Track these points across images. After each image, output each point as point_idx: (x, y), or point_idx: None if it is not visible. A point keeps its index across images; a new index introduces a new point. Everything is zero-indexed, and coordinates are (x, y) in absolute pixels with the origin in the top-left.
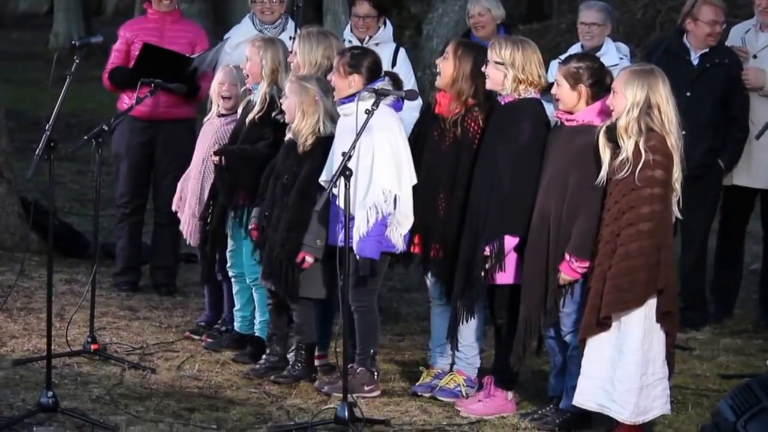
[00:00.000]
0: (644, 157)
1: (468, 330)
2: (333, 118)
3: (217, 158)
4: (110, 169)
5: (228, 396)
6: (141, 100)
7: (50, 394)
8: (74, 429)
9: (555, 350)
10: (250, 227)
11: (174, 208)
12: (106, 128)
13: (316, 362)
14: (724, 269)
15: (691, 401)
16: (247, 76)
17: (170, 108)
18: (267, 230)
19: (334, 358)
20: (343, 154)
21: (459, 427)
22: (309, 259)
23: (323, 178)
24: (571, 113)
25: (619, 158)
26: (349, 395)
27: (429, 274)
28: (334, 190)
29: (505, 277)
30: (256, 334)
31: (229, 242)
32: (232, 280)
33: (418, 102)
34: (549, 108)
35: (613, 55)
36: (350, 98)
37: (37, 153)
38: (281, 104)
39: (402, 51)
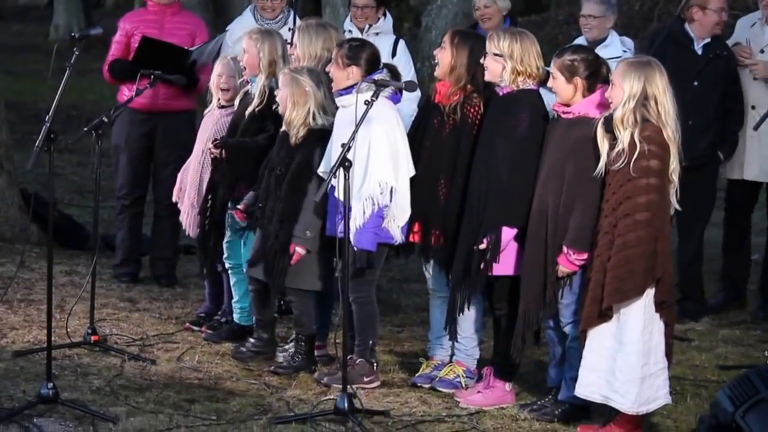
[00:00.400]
0: (639, 147)
1: (467, 321)
2: (326, 110)
3: (216, 150)
4: (110, 160)
5: (228, 387)
6: (141, 91)
7: (50, 385)
8: (74, 420)
9: (554, 341)
10: (238, 207)
11: (174, 199)
12: (106, 120)
13: (315, 353)
14: (733, 257)
15: (690, 392)
16: (245, 68)
17: (170, 100)
18: (261, 221)
19: (334, 349)
20: (342, 145)
21: (458, 418)
22: (300, 251)
23: (322, 170)
24: (568, 105)
25: (616, 149)
26: (348, 386)
27: (429, 263)
28: (333, 181)
29: (505, 268)
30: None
31: (227, 233)
32: (229, 271)
33: (417, 94)
34: (550, 97)
35: (616, 47)
36: (348, 90)
37: (37, 145)
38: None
39: (401, 43)
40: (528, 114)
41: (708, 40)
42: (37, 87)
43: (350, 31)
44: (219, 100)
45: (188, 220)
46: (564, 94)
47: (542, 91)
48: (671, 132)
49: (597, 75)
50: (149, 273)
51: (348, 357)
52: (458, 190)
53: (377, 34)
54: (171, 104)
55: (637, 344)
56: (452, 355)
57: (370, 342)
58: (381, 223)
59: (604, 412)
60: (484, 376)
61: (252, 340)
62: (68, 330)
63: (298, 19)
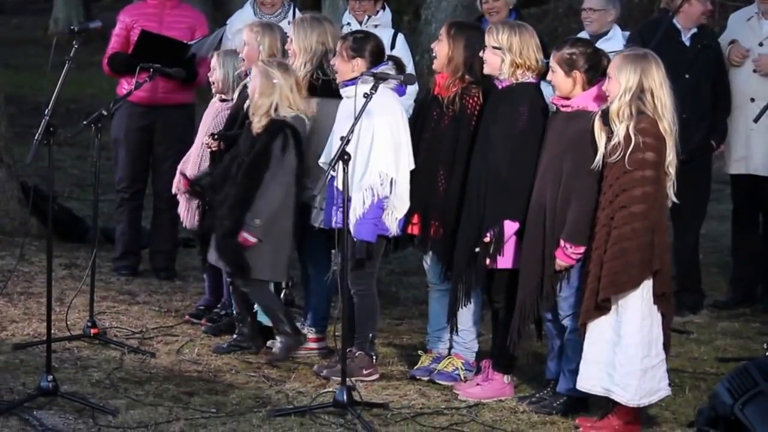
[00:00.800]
0: (634, 140)
1: (466, 314)
2: (293, 103)
3: (214, 143)
4: (110, 154)
5: (227, 380)
6: (140, 84)
7: (50, 378)
8: (74, 413)
9: (553, 334)
10: (185, 174)
11: (174, 190)
12: (105, 113)
13: (315, 345)
14: (742, 259)
15: (689, 384)
16: (243, 60)
17: (169, 94)
18: (216, 206)
19: (333, 341)
20: (342, 138)
21: (457, 411)
22: (249, 238)
23: (322, 160)
24: (567, 99)
25: (612, 142)
26: (347, 379)
27: (428, 255)
28: (332, 173)
29: (504, 261)
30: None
31: None
32: None
33: (415, 88)
34: (549, 91)
35: (618, 41)
36: (353, 81)
37: (36, 138)
38: None
39: (400, 36)
40: (527, 107)
41: (695, 30)
42: (36, 80)
43: (349, 23)
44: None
45: (186, 212)
46: (563, 88)
47: (542, 84)
48: (668, 124)
49: (596, 68)
50: (149, 266)
51: (347, 350)
52: (458, 181)
53: (376, 26)
54: (170, 98)
55: (635, 336)
56: (451, 347)
57: (370, 335)
58: (381, 215)
59: (603, 405)
60: (483, 368)
61: (235, 335)
62: (68, 323)
63: (298, 12)
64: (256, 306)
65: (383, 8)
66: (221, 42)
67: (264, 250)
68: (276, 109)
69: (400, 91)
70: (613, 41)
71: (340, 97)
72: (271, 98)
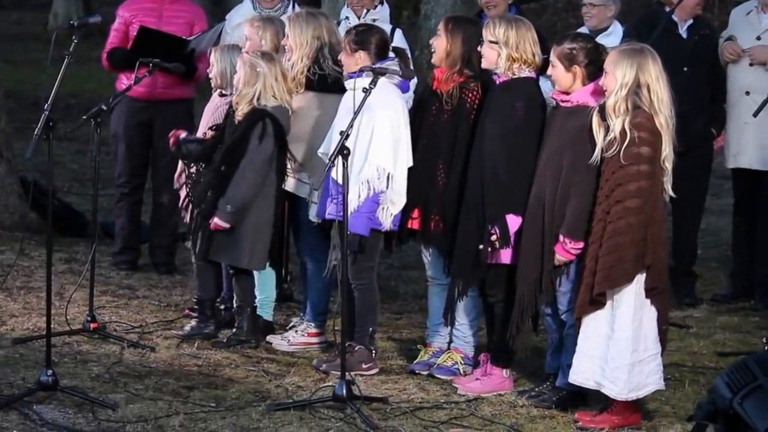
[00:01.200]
0: (630, 135)
1: (465, 308)
2: (277, 92)
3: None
4: (109, 148)
5: (227, 374)
6: (140, 79)
7: (50, 372)
8: (74, 407)
9: (552, 328)
10: (180, 134)
11: (176, 185)
12: (105, 108)
13: (315, 339)
14: (741, 254)
15: (688, 378)
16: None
17: (168, 89)
18: (196, 192)
19: (332, 336)
20: (341, 133)
21: (456, 405)
22: (220, 223)
23: (321, 151)
24: (567, 94)
25: (608, 137)
26: (347, 373)
27: (428, 250)
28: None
29: (503, 256)
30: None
31: None
32: None
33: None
34: (548, 85)
35: (618, 36)
36: (359, 73)
37: (36, 133)
38: None
39: (398, 32)
40: (524, 102)
41: (691, 21)
42: (36, 75)
43: (347, 17)
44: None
45: (187, 207)
46: (563, 83)
47: (541, 79)
48: (664, 119)
49: (596, 63)
50: (148, 261)
51: (347, 344)
52: (457, 175)
53: (374, 21)
54: (169, 93)
55: (626, 330)
56: (450, 342)
57: (370, 329)
58: (375, 209)
59: (602, 399)
60: (481, 362)
61: (193, 321)
62: (67, 317)
63: (297, 7)
64: (256, 300)
65: (381, 3)
66: (220, 37)
67: (242, 238)
68: (259, 98)
69: (404, 87)
70: (613, 36)
71: (336, 92)
72: (255, 87)
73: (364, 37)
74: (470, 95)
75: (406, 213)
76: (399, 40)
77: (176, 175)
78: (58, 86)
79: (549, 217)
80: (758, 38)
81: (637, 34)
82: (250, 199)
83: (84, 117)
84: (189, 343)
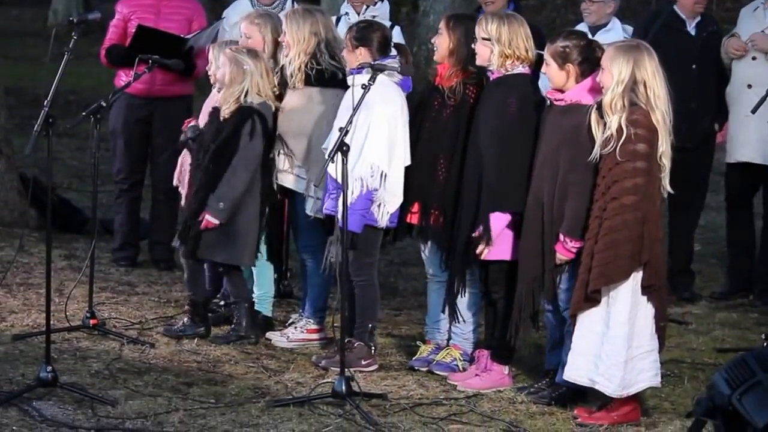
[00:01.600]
0: (626, 132)
1: (464, 305)
2: (262, 89)
3: None
4: (109, 145)
5: (226, 370)
6: (139, 76)
7: (49, 368)
8: (73, 403)
9: (552, 324)
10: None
11: (175, 182)
12: (104, 104)
13: (314, 336)
14: (737, 250)
15: (687, 375)
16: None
17: (166, 86)
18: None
19: (331, 332)
20: (340, 129)
21: (456, 401)
22: (211, 220)
23: (324, 146)
24: (561, 92)
25: (605, 134)
26: (346, 369)
27: (426, 246)
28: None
29: (501, 253)
30: (255, 306)
31: None
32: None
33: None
34: (545, 83)
35: (618, 33)
36: (358, 70)
37: (35, 129)
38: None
39: (397, 29)
40: (517, 98)
41: (699, 18)
42: (35, 72)
43: (347, 13)
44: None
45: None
46: (557, 81)
47: (541, 76)
48: (660, 115)
49: (590, 61)
50: (148, 257)
51: (346, 340)
52: (457, 170)
53: (373, 17)
54: (168, 90)
55: (622, 328)
56: (449, 338)
57: (370, 325)
58: (369, 206)
59: (601, 395)
60: (477, 358)
61: (185, 318)
62: (67, 314)
63: (296, 4)
64: (254, 296)
65: (381, 0)
66: (218, 35)
67: (233, 235)
68: (245, 96)
69: (405, 86)
70: (612, 33)
71: (334, 86)
72: (243, 84)
73: (366, 33)
74: (472, 90)
75: (405, 207)
76: (397, 37)
77: (176, 173)
78: (57, 83)
79: (548, 216)
80: (763, 32)
81: (645, 32)
82: (242, 196)
83: (83, 113)
84: (189, 340)
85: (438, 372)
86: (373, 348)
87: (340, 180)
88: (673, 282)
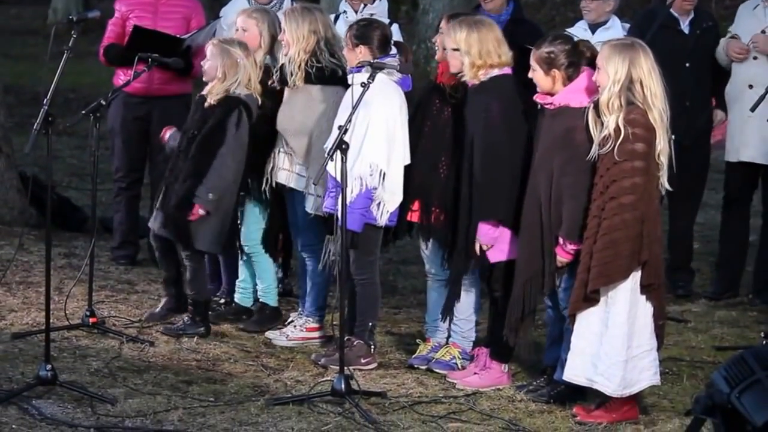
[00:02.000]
0: (624, 131)
1: (464, 303)
2: (251, 82)
3: None
4: (108, 143)
5: (226, 369)
6: (138, 74)
7: (49, 367)
8: (73, 402)
9: (552, 320)
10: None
11: None
12: (103, 103)
13: (313, 334)
14: (729, 246)
15: (686, 373)
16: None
17: (164, 85)
18: (169, 179)
19: (331, 330)
20: (340, 127)
21: (455, 399)
22: (200, 211)
23: (327, 146)
24: (551, 95)
25: (602, 134)
26: (345, 368)
27: (426, 245)
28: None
29: (499, 254)
30: (260, 300)
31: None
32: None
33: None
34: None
35: (617, 31)
36: (357, 68)
37: (35, 127)
38: (276, 72)
39: (395, 27)
40: (497, 102)
41: (692, 16)
42: (35, 70)
43: (345, 11)
44: None
45: None
46: (543, 86)
47: None
48: (658, 114)
49: (576, 64)
50: (147, 255)
51: (346, 338)
52: (458, 168)
53: (372, 15)
54: (166, 88)
55: (622, 327)
56: (449, 336)
57: (370, 324)
58: (369, 205)
59: (600, 393)
60: (476, 356)
61: (185, 317)
62: (67, 312)
63: (294, 2)
64: (236, 287)
65: None
66: (216, 34)
67: (211, 223)
68: (237, 87)
69: (405, 84)
70: (612, 31)
71: (334, 84)
72: (235, 77)
73: (365, 31)
74: None
75: (405, 206)
76: (396, 35)
77: None
78: (57, 81)
79: (546, 218)
80: (763, 32)
81: (640, 32)
82: (231, 186)
83: (83, 112)
84: (188, 338)
85: (437, 370)
86: (372, 346)
87: (339, 178)
88: (671, 278)
